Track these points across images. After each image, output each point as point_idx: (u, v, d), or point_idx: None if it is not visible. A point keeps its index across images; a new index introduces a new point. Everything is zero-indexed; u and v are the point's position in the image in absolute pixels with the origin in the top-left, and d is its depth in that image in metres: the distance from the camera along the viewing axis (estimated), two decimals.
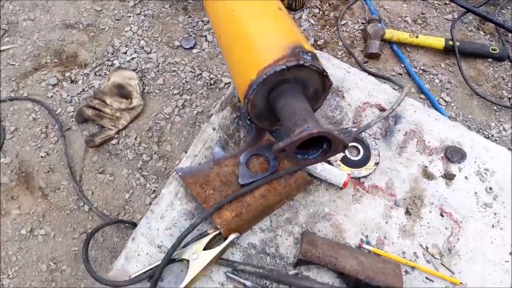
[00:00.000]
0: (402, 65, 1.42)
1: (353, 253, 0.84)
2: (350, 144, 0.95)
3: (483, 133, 1.34)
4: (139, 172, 1.35)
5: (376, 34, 1.40)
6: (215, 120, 0.96)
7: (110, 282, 0.79)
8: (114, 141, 1.38)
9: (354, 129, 0.96)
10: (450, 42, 1.43)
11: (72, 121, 1.44)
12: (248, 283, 0.81)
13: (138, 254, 0.83)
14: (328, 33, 1.47)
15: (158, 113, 1.44)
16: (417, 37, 1.43)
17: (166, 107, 1.45)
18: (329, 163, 0.92)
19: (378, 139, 0.97)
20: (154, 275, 0.77)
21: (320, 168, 0.89)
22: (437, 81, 1.39)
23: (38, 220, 1.28)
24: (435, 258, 0.87)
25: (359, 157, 0.94)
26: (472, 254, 0.88)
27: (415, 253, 0.87)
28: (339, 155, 0.93)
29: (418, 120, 1.00)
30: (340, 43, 1.44)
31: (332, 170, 0.89)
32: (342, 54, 1.43)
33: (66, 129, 1.43)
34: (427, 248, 0.88)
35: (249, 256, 0.84)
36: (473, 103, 1.37)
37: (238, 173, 0.85)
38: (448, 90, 1.37)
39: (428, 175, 0.94)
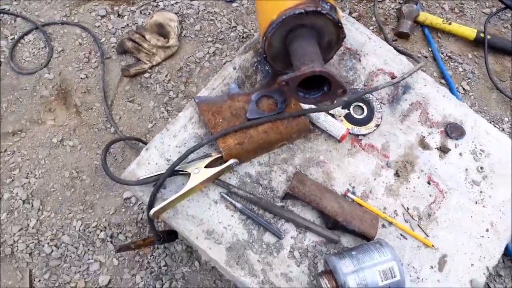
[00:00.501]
0: (430, 49, 1.44)
1: (337, 198, 0.92)
2: (355, 104, 1.01)
3: (495, 126, 1.36)
4: (164, 107, 1.46)
5: (410, 15, 1.43)
6: (236, 61, 1.05)
7: (121, 180, 0.91)
8: (146, 75, 1.49)
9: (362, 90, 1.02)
10: (482, 34, 1.43)
11: (113, 51, 1.56)
12: (238, 204, 0.91)
13: (148, 163, 0.94)
14: (364, 7, 1.51)
15: (190, 56, 1.54)
16: (450, 24, 1.45)
17: (199, 52, 1.54)
18: (333, 116, 0.99)
19: (384, 104, 1.03)
20: (158, 181, 0.88)
21: (323, 119, 0.97)
22: (460, 69, 1.41)
23: (69, 133, 1.42)
24: (413, 219, 0.94)
25: (362, 116, 1.00)
26: (450, 223, 0.94)
27: (395, 211, 0.94)
28: (344, 111, 1.00)
29: (426, 93, 1.05)
30: (374, 19, 1.48)
31: (333, 122, 0.97)
32: (373, 29, 1.47)
33: (107, 57, 1.55)
34: (408, 209, 0.95)
35: (244, 183, 0.94)
36: (492, 96, 1.38)
37: (248, 109, 0.94)
38: (469, 80, 1.39)
39: (424, 145, 1.00)
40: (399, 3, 1.52)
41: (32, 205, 1.34)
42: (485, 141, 1.02)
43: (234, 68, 1.04)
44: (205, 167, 0.90)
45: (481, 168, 0.99)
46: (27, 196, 1.35)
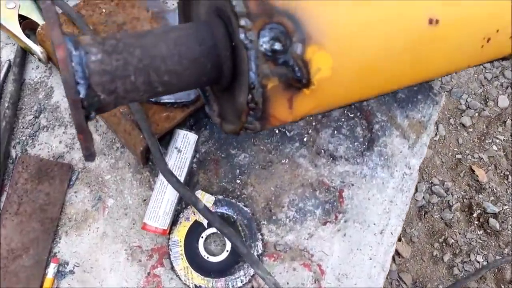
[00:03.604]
0: None
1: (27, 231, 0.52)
2: (212, 231, 0.52)
3: None
4: None
5: None
6: None
7: None
8: None
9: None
10: None
11: None
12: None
13: None
14: None
15: None
16: None
17: None
18: (184, 207, 0.53)
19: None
20: None
21: (161, 182, 0.51)
22: None
23: None
24: None
25: (208, 257, 0.52)
26: None
27: None
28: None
29: None
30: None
31: (162, 204, 0.51)
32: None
33: None
34: None
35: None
36: None
37: None
38: None
39: None
40: None
41: None
42: None
43: None
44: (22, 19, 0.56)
45: None
46: None
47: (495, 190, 0.97)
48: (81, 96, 0.31)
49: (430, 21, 0.39)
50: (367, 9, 0.36)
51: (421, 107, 0.58)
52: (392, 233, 0.54)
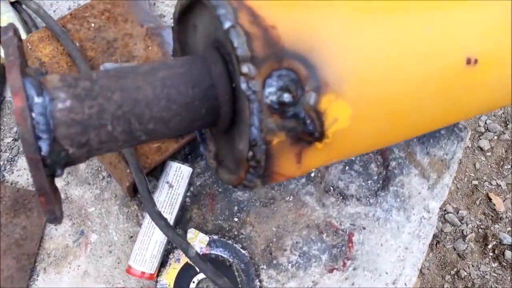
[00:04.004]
0: None
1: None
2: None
3: None
4: None
5: None
6: None
7: None
8: None
9: None
10: None
11: None
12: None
13: None
14: None
15: None
16: None
17: None
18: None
19: None
20: None
21: (148, 222, 0.46)
22: None
23: None
24: None
25: None
26: None
27: None
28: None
29: None
30: None
31: (151, 245, 0.46)
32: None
33: None
34: None
35: None
36: None
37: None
38: None
39: None
40: None
41: None
42: None
43: None
44: None
45: None
46: None
47: None
48: (43, 153, 0.25)
49: (468, 61, 0.33)
50: (396, 49, 0.30)
51: (444, 143, 0.52)
52: (406, 284, 0.48)
